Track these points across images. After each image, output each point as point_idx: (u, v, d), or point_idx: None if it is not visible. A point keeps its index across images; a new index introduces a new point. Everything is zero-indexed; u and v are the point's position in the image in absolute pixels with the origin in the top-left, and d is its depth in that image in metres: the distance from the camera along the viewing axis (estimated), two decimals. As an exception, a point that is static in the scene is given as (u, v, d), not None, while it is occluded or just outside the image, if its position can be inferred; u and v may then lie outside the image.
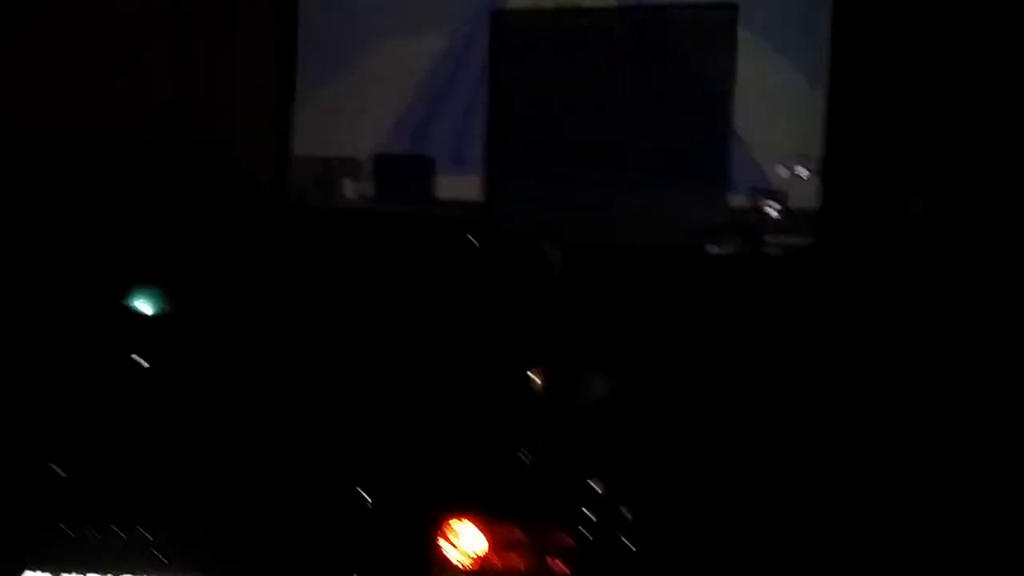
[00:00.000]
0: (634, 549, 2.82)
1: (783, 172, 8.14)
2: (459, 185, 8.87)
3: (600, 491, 2.78)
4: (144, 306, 3.35)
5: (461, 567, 2.48)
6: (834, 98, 8.03)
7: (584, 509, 2.67)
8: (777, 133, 8.25)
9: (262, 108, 8.91)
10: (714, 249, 7.64)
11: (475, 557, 2.49)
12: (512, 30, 9.03)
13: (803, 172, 8.05)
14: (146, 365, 3.03)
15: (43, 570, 2.47)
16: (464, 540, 2.48)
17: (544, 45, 8.84)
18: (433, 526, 2.48)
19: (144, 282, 3.41)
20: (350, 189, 9.12)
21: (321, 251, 3.60)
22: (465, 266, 3.63)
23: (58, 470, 2.55)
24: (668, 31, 8.53)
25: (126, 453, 2.62)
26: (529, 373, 3.12)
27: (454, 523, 2.48)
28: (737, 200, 8.28)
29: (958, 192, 7.30)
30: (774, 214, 7.98)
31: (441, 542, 2.48)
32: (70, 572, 2.47)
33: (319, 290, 3.40)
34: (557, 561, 2.52)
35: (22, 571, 2.47)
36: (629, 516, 2.85)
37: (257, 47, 9.00)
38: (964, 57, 7.53)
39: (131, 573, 2.45)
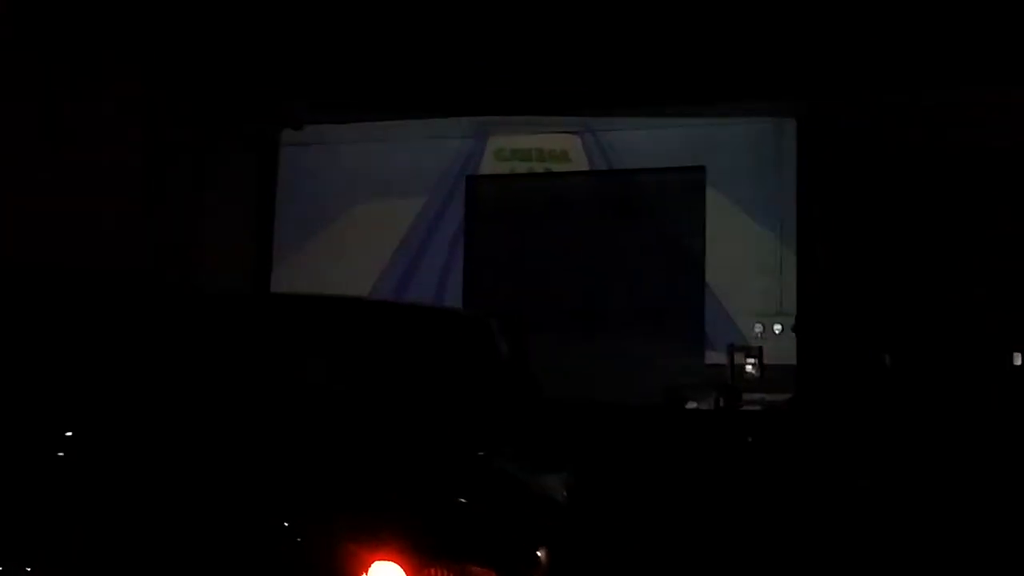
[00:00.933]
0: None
1: (758, 328, 8.25)
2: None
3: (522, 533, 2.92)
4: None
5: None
6: (804, 256, 8.25)
7: (507, 551, 2.79)
8: (750, 290, 8.42)
9: (241, 267, 9.08)
10: (692, 405, 7.64)
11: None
12: (486, 193, 9.28)
13: (777, 328, 8.17)
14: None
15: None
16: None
17: (517, 208, 9.07)
18: (359, 567, 2.54)
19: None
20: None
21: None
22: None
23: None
24: (640, 193, 8.78)
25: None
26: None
27: (378, 564, 2.54)
28: (714, 357, 8.34)
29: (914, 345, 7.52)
30: (751, 370, 8.02)
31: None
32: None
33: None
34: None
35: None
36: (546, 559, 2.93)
37: (237, 211, 9.26)
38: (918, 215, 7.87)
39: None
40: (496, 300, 8.70)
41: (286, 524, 2.63)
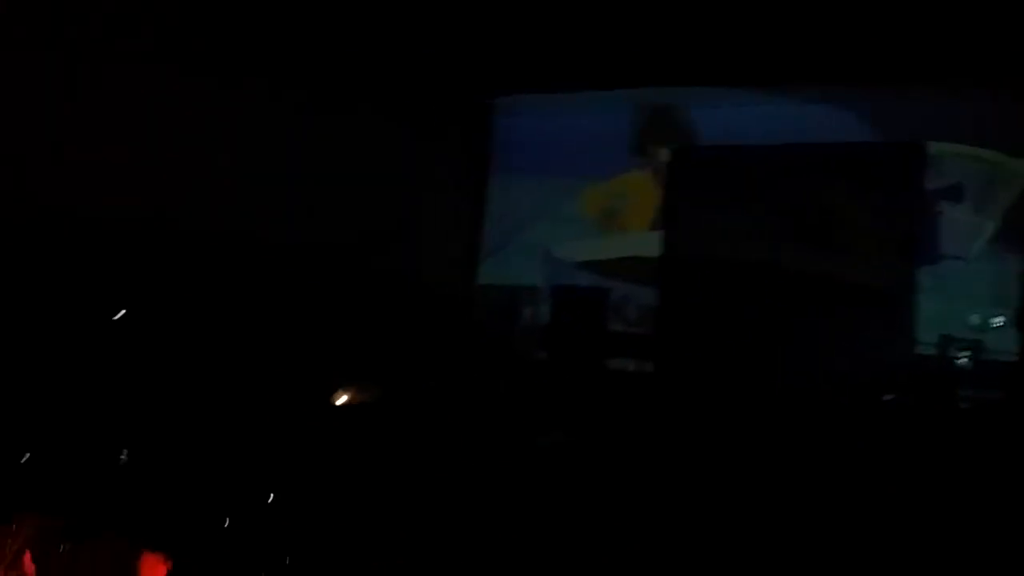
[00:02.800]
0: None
1: (975, 320, 7.57)
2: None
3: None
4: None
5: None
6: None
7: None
8: (967, 276, 7.74)
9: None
10: (898, 401, 7.11)
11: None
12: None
13: (998, 321, 7.47)
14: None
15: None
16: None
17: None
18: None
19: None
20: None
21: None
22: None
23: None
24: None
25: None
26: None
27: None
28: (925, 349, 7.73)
29: None
30: (964, 364, 7.39)
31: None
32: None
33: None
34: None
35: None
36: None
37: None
38: None
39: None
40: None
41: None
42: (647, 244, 9.01)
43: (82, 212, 6.88)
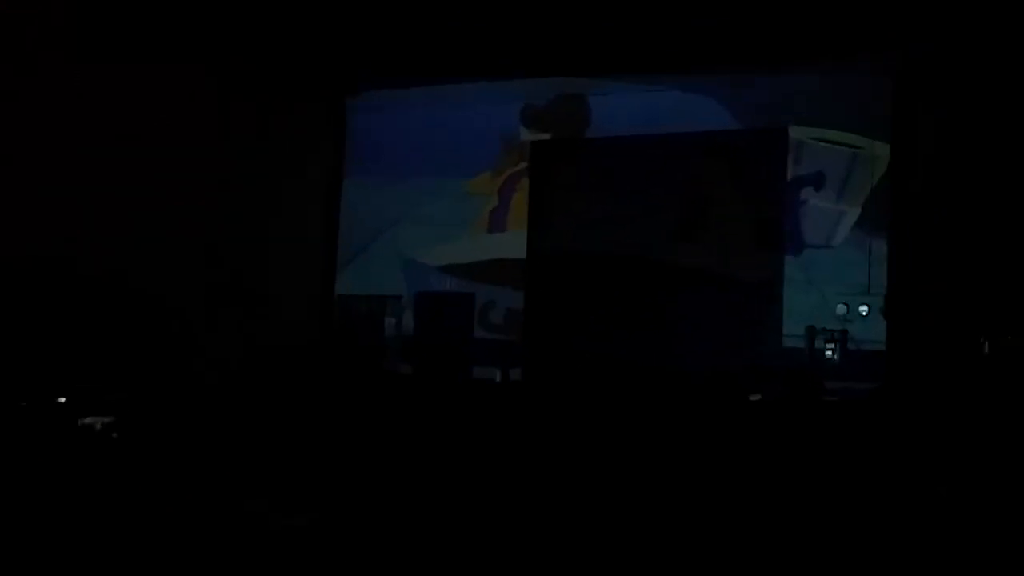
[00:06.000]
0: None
1: (841, 309, 7.41)
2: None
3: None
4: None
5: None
6: (896, 230, 7.38)
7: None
8: (834, 266, 7.59)
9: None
10: (763, 395, 6.91)
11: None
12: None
13: (863, 309, 7.33)
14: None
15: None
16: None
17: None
18: None
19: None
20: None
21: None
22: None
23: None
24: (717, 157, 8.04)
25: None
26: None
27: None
28: (791, 341, 7.56)
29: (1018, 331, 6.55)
30: (831, 355, 7.22)
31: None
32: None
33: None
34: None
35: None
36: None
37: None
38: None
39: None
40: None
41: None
42: (512, 245, 8.71)
43: None
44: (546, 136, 8.73)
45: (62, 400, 6.27)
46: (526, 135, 8.79)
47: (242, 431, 6.80)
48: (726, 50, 7.70)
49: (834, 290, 7.50)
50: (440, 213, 8.89)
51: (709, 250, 7.95)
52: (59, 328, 6.89)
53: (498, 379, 8.28)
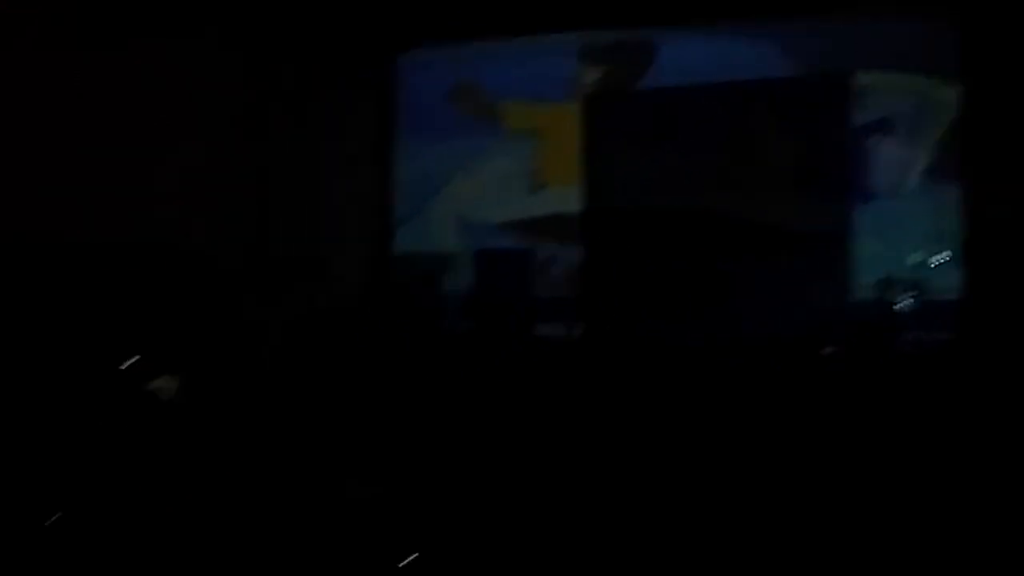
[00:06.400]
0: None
1: (914, 259, 7.21)
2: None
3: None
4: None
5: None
6: (972, 176, 7.16)
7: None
8: (907, 213, 7.39)
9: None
10: (833, 348, 6.75)
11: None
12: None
13: (936, 259, 7.13)
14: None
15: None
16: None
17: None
18: None
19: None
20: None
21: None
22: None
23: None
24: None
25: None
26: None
27: None
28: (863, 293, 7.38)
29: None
30: (905, 305, 7.03)
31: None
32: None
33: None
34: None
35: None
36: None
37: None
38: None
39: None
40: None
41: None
42: (570, 199, 8.56)
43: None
44: (603, 87, 8.58)
45: (126, 365, 6.25)
46: (583, 86, 8.63)
47: (303, 394, 6.76)
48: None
49: (906, 240, 7.32)
50: (497, 169, 8.79)
51: (773, 202, 7.77)
52: (118, 295, 6.87)
53: (558, 337, 8.18)
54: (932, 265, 7.18)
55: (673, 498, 5.56)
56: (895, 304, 7.05)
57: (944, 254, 7.15)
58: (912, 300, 7.09)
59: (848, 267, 7.45)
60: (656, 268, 8.06)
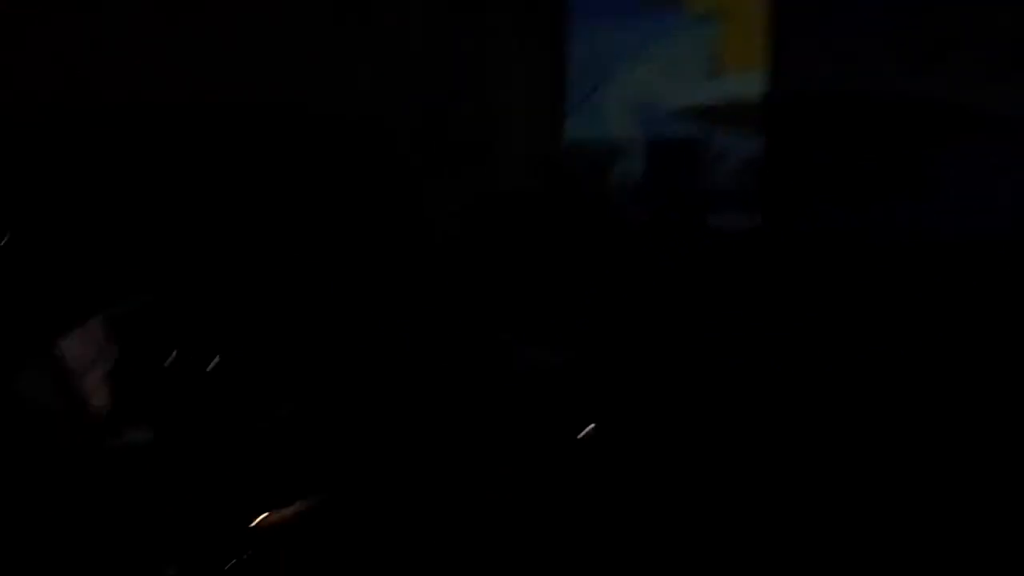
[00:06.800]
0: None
1: None
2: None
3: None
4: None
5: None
6: None
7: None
8: None
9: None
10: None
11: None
12: None
13: None
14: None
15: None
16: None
17: None
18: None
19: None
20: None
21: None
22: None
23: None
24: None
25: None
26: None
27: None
28: None
29: None
30: None
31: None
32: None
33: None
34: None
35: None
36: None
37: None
38: None
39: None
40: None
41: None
42: (753, 85, 8.09)
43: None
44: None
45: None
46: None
47: (475, 269, 6.72)
48: None
49: None
50: (674, 53, 8.39)
51: (981, 85, 7.13)
52: (288, 172, 6.92)
53: (732, 229, 7.84)
54: None
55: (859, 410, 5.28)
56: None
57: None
58: None
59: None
60: (845, 158, 7.58)
